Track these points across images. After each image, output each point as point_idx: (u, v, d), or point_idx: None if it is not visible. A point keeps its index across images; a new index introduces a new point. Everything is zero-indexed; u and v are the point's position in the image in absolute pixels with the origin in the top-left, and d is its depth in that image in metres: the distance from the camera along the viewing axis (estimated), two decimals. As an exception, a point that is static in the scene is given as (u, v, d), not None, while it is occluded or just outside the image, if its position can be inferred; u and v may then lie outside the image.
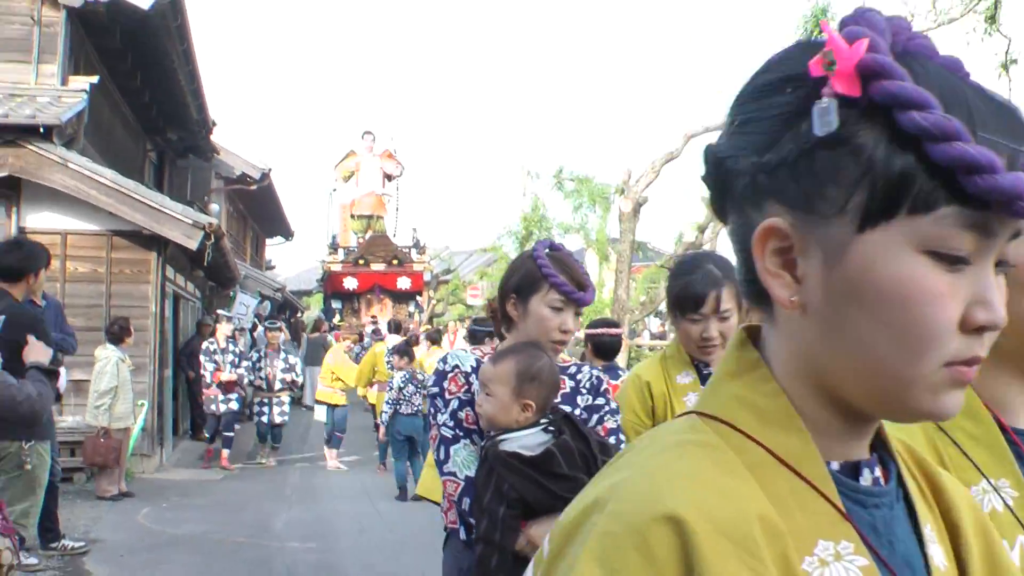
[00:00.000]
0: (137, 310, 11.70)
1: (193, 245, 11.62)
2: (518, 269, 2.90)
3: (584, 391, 2.96)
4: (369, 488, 11.98)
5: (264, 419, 13.84)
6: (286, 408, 14.05)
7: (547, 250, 2.90)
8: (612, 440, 2.84)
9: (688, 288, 3.08)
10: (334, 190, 31.92)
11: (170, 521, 9.50)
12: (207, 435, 14.22)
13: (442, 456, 2.77)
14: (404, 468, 11.32)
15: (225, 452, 13.23)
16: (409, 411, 11.26)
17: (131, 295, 11.89)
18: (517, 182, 26.62)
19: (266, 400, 13.84)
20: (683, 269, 3.20)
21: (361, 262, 29.77)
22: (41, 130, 10.94)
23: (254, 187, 23.94)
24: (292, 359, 14.14)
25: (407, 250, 30.59)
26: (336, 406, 14.09)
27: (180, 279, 14.29)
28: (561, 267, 2.81)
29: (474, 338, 12.33)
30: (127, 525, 9.23)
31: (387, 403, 11.57)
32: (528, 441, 2.62)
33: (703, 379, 3.22)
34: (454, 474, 2.74)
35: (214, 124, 18.56)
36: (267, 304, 25.30)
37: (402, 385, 11.29)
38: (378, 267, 29.73)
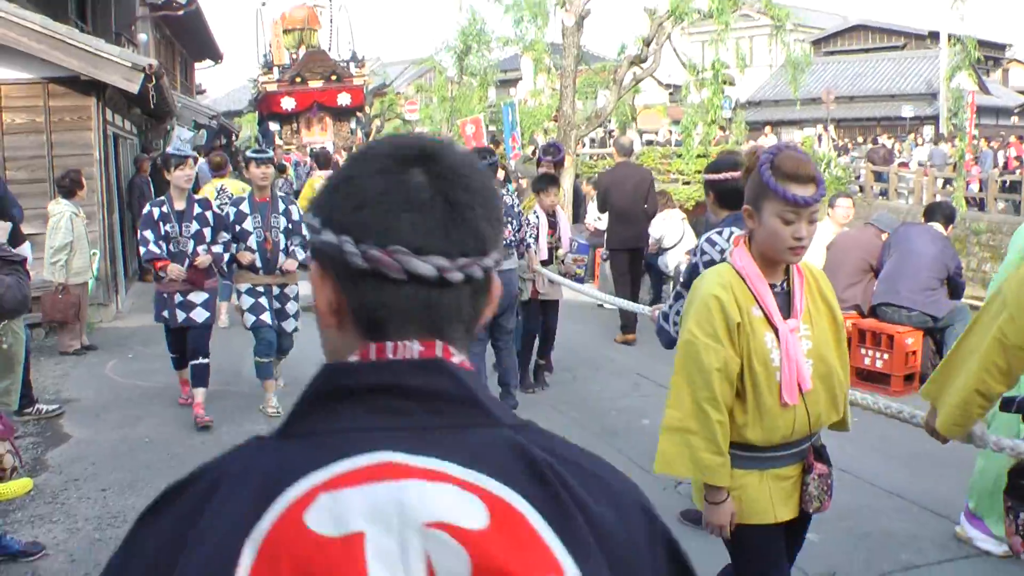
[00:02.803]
0: (82, 158, 11.35)
1: (134, 88, 11.20)
2: None
3: None
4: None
5: (266, 318, 7.84)
6: (295, 305, 8.08)
7: None
8: None
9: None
10: (263, 4, 30.91)
11: (139, 373, 9.47)
12: (171, 355, 8.15)
13: None
14: None
15: (200, 393, 7.71)
16: None
17: (73, 143, 11.50)
18: (453, -6, 25.90)
19: (262, 289, 7.84)
20: None
21: (298, 80, 28.97)
22: (-42, -27, 10.35)
23: (181, 12, 23.07)
24: (296, 211, 7.90)
25: (345, 64, 29.85)
26: None
27: (118, 119, 13.85)
28: None
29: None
30: (96, 381, 9.23)
31: None
32: None
33: None
34: None
35: (137, -52, 17.72)
36: (203, 133, 24.73)
37: None
38: (316, 84, 28.96)
